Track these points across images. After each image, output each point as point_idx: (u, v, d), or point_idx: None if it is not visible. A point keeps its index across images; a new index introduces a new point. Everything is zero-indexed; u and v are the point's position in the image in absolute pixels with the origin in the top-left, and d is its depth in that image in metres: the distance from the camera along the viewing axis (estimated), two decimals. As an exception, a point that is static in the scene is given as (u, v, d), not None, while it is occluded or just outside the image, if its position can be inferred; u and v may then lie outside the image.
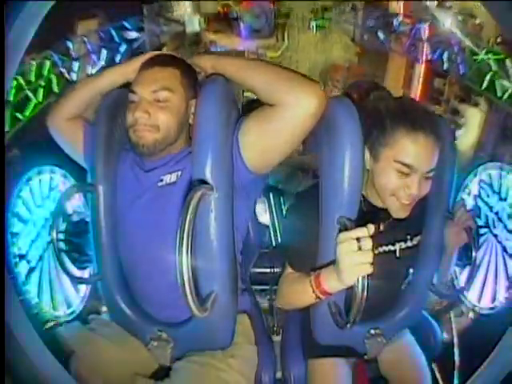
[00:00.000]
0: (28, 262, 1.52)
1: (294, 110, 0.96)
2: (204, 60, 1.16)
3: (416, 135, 1.02)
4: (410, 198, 1.07)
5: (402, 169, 1.04)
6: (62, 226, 1.62)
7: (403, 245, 1.21)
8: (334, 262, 0.93)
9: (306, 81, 0.99)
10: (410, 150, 1.03)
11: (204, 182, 0.97)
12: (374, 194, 1.15)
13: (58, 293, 1.62)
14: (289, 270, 1.18)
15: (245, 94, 2.07)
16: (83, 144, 1.21)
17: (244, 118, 1.07)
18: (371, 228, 0.87)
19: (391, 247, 1.19)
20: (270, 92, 1.00)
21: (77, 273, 1.61)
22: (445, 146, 1.12)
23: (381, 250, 1.18)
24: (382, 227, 1.17)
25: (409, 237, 1.21)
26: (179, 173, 1.10)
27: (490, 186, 1.63)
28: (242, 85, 1.09)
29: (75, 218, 1.71)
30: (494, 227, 1.60)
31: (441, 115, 1.15)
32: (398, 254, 1.20)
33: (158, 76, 1.11)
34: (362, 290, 0.87)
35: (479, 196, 1.68)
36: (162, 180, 1.11)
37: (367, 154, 1.10)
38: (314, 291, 1.00)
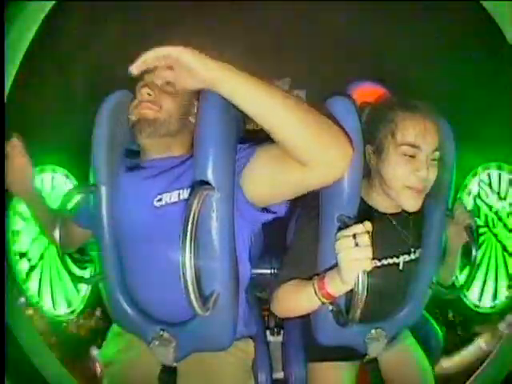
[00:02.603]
0: (29, 260, 1.52)
1: (321, 173, 0.88)
2: (203, 66, 0.82)
3: (414, 115, 1.07)
4: (420, 183, 1.07)
5: (408, 151, 1.06)
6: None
7: (407, 257, 1.20)
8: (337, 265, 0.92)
9: (340, 140, 0.87)
10: (412, 128, 1.06)
11: (205, 182, 0.97)
12: (380, 198, 1.16)
13: (58, 291, 1.63)
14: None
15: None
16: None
17: (255, 150, 1.01)
18: (368, 224, 0.87)
19: (395, 260, 1.19)
20: (300, 147, 0.85)
21: (78, 272, 1.61)
22: (442, 145, 1.13)
23: (385, 262, 1.17)
24: (387, 234, 1.17)
25: (413, 249, 1.21)
26: (180, 191, 1.06)
27: (489, 185, 1.63)
28: (253, 117, 0.85)
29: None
30: (494, 226, 1.61)
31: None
32: (401, 267, 1.20)
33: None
34: (362, 287, 0.86)
35: (479, 196, 1.68)
36: (160, 199, 1.06)
37: (370, 151, 1.12)
38: (316, 294, 0.99)
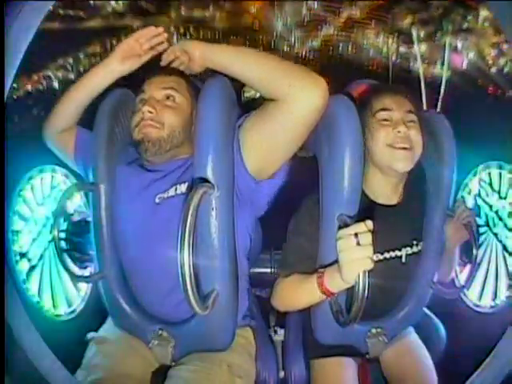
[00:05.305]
0: (29, 260, 1.52)
1: (299, 104, 0.92)
2: (192, 46, 1.07)
3: (384, 88, 1.22)
4: (402, 140, 1.09)
5: (382, 115, 1.12)
6: (63, 225, 1.63)
7: (409, 250, 1.20)
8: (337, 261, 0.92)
9: (309, 73, 0.94)
10: (382, 96, 1.15)
11: (205, 180, 0.97)
12: (380, 188, 1.16)
13: (58, 291, 1.63)
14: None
15: (246, 94, 2.07)
16: (74, 146, 1.22)
17: (245, 116, 1.05)
18: (369, 223, 0.86)
19: (398, 252, 1.18)
20: (272, 86, 0.95)
21: (78, 272, 1.61)
22: (443, 144, 1.14)
23: (387, 255, 1.17)
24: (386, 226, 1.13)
25: (415, 242, 1.20)
26: (177, 186, 1.08)
27: (490, 185, 1.63)
28: (237, 77, 1.00)
29: (76, 218, 1.71)
30: (494, 226, 1.60)
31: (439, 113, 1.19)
32: (403, 260, 1.19)
33: (166, 79, 1.15)
34: (363, 287, 0.86)
35: (479, 195, 1.68)
36: (160, 197, 1.09)
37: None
38: (317, 289, 0.99)
